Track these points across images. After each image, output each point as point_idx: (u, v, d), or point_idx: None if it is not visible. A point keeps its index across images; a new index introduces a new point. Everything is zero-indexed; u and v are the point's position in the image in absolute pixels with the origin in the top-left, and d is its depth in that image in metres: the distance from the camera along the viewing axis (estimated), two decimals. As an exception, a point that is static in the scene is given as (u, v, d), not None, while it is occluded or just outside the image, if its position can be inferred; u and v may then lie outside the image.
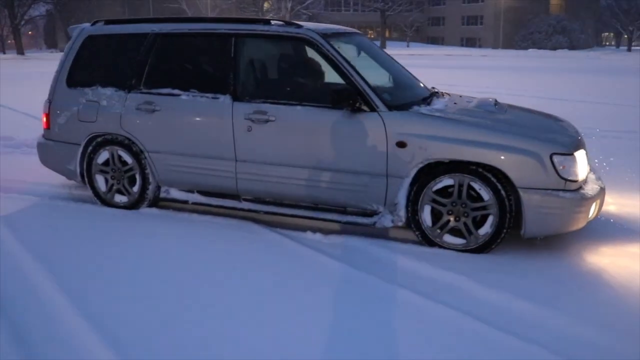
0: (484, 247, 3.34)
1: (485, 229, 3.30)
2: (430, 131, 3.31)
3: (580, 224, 3.25)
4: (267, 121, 3.62)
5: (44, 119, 4.42)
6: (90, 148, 4.21)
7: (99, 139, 4.16)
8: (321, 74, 3.76)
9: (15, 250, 3.44)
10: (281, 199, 3.78)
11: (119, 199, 4.24)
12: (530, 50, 41.82)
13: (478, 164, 3.23)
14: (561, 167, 3.16)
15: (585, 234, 3.57)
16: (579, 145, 3.35)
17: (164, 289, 2.93)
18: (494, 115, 3.57)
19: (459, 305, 2.76)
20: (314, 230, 3.73)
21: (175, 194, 4.08)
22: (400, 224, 3.50)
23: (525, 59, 27.77)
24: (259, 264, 3.23)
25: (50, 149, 4.42)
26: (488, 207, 3.26)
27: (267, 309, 2.72)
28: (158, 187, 4.14)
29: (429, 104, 3.63)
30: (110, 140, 4.13)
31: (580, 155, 3.27)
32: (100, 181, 4.26)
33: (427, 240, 3.45)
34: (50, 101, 4.34)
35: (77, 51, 4.27)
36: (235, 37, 3.79)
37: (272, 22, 3.80)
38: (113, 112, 4.06)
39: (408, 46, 48.70)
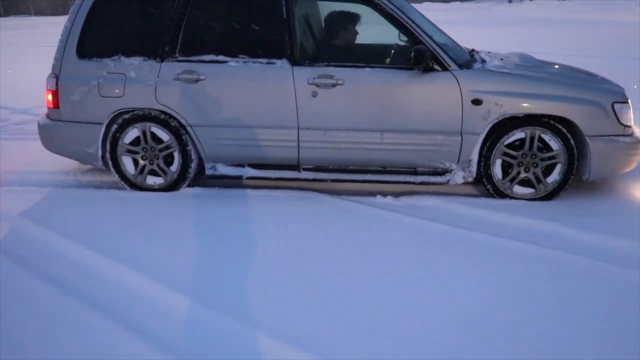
0: (551, 195, 3.56)
1: (554, 177, 3.52)
2: (505, 87, 3.42)
3: (635, 164, 3.59)
4: (334, 85, 3.49)
5: (49, 97, 3.85)
6: (115, 127, 3.76)
7: (127, 116, 3.73)
8: (385, 34, 3.68)
9: (75, 252, 3.00)
10: (347, 165, 3.70)
11: (153, 181, 3.86)
12: (424, 3, 42.94)
13: (550, 116, 3.42)
14: (620, 114, 3.45)
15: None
16: (626, 94, 3.67)
17: (303, 278, 2.68)
18: (546, 70, 3.77)
19: (568, 248, 2.95)
20: (382, 194, 3.71)
21: (224, 169, 3.80)
22: (470, 179, 3.61)
23: (431, 12, 28.30)
24: (360, 235, 3.14)
25: (59, 131, 3.88)
26: (557, 157, 3.47)
27: (408, 276, 2.70)
28: (200, 165, 3.84)
29: (483, 61, 3.73)
30: (141, 117, 3.72)
31: (630, 102, 3.59)
32: (127, 163, 3.84)
33: (498, 193, 3.60)
34: (56, 76, 3.78)
35: (86, 15, 3.73)
36: None
37: None
38: (145, 84, 3.65)
39: None
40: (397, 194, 3.73)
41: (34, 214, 3.52)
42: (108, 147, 3.81)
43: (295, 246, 3.01)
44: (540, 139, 3.46)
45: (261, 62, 3.57)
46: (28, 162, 4.56)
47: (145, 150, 3.79)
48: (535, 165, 3.51)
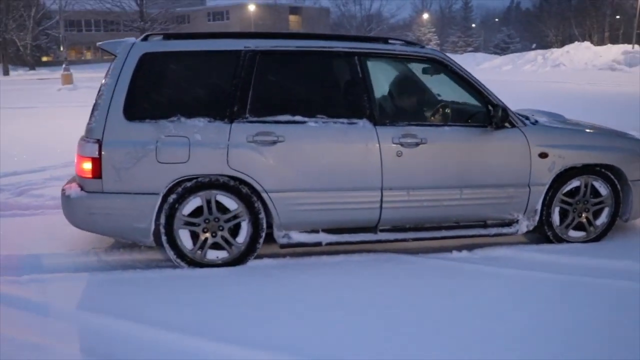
0: (600, 237, 3.91)
1: (601, 219, 3.88)
2: (565, 141, 3.73)
3: None
4: (417, 144, 3.50)
5: (85, 166, 3.27)
6: (173, 196, 3.30)
7: (189, 184, 3.31)
8: (455, 93, 3.80)
9: (194, 344, 2.54)
10: (425, 223, 3.67)
11: (215, 255, 3.43)
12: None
13: (601, 165, 3.80)
14: None
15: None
16: None
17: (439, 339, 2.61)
18: (582, 125, 4.19)
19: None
20: (457, 248, 3.74)
21: (298, 237, 3.51)
22: (531, 228, 3.82)
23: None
24: (462, 292, 3.12)
25: (100, 205, 3.29)
26: (605, 201, 3.85)
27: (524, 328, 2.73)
28: (269, 233, 3.51)
29: (527, 118, 4.04)
30: (205, 184, 3.33)
31: None
32: (184, 237, 3.38)
33: (556, 238, 3.85)
34: (98, 141, 3.23)
35: (132, 74, 3.29)
36: (358, 57, 3.53)
37: (391, 41, 3.68)
38: (214, 148, 3.29)
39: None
40: (466, 247, 3.78)
41: (98, 305, 2.90)
42: (163, 221, 3.32)
43: (411, 308, 2.91)
44: (592, 186, 3.82)
45: (342, 123, 3.45)
46: (31, 243, 3.77)
47: (207, 221, 3.37)
48: (587, 210, 3.84)
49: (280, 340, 2.57)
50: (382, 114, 3.53)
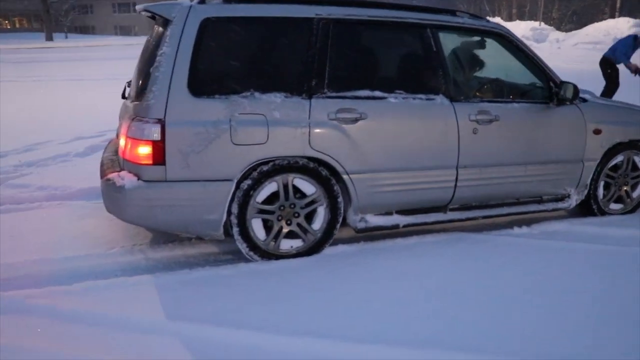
0: (635, 208, 4.09)
1: (637, 192, 4.05)
2: (615, 118, 3.80)
3: None
4: (491, 121, 3.37)
5: (143, 151, 2.77)
6: (248, 182, 2.92)
7: (266, 168, 2.93)
8: (518, 69, 3.68)
9: (330, 349, 2.27)
10: (489, 200, 3.58)
11: (290, 244, 3.11)
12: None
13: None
14: None
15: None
16: None
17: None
18: (618, 103, 4.27)
19: None
20: (517, 224, 3.72)
21: (376, 220, 3.27)
22: (579, 202, 3.89)
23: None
24: (541, 268, 3.08)
25: (164, 195, 2.82)
26: (642, 174, 4.02)
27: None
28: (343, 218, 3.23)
29: None
30: (283, 167, 2.97)
31: None
32: (257, 227, 3.02)
33: (600, 211, 3.96)
34: (160, 121, 2.74)
35: (194, 42, 2.82)
36: (431, 29, 3.30)
37: (459, 13, 3.48)
38: (295, 126, 2.94)
39: (67, 37, 43.00)
40: (522, 223, 3.77)
41: (184, 312, 2.49)
42: (235, 210, 2.93)
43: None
44: (632, 161, 3.96)
45: (420, 99, 3.23)
46: (55, 244, 3.18)
47: (282, 208, 3.03)
48: (626, 183, 3.99)
49: (398, 333, 2.36)
50: (456, 90, 3.35)
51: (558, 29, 30.48)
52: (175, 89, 2.77)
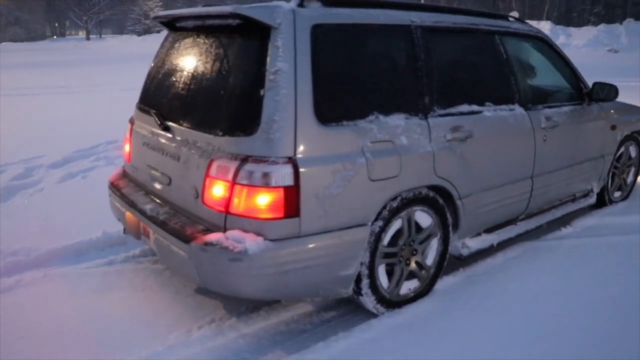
0: (629, 194, 4.43)
1: (630, 178, 4.40)
2: (622, 113, 4.06)
3: None
4: (554, 127, 3.32)
5: (273, 201, 2.11)
6: (379, 223, 2.43)
7: (395, 204, 2.47)
8: (561, 72, 3.65)
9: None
10: (545, 205, 3.54)
11: (407, 287, 2.69)
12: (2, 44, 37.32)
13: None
14: None
15: None
16: None
17: None
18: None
19: None
20: (556, 226, 3.72)
21: (474, 244, 2.99)
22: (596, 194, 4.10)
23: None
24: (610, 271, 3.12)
25: (299, 257, 2.19)
26: (633, 162, 4.36)
27: None
28: None
29: None
30: (409, 201, 2.53)
31: None
32: (382, 275, 2.54)
33: (609, 200, 4.23)
34: (291, 160, 2.11)
35: (312, 55, 2.23)
36: (498, 35, 3.12)
37: (510, 18, 3.36)
38: (422, 152, 2.52)
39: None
40: (559, 225, 3.81)
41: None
42: (367, 259, 2.42)
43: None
44: (629, 151, 4.29)
45: (505, 110, 3.03)
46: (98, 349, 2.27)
47: (403, 247, 2.60)
48: (624, 172, 4.32)
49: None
50: (526, 98, 3.23)
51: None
52: (302, 117, 2.15)
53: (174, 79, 2.64)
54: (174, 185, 2.50)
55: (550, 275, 3.00)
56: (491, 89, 3.05)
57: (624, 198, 4.38)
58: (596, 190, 4.00)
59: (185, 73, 2.58)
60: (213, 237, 2.18)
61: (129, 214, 2.75)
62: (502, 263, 3.17)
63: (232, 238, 2.14)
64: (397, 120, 2.47)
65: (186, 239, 2.24)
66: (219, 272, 2.18)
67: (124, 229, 2.91)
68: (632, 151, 4.34)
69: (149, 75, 2.96)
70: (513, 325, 2.48)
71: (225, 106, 2.30)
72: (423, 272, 2.72)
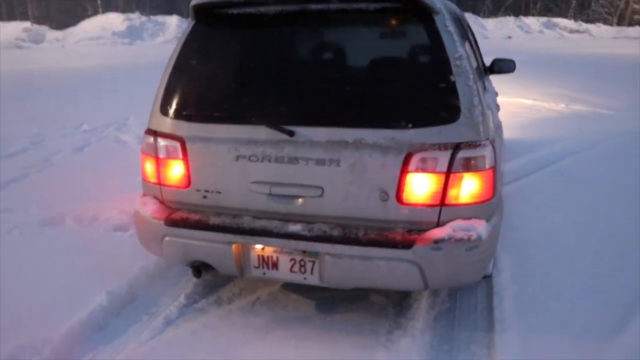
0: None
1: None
2: None
3: None
4: None
5: (485, 183, 2.14)
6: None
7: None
8: None
9: None
10: None
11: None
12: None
13: None
14: None
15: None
16: None
17: None
18: None
19: None
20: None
21: None
22: None
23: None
24: None
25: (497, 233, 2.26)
26: None
27: None
28: None
29: None
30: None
31: None
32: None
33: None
34: (492, 143, 2.19)
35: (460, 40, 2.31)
36: None
37: None
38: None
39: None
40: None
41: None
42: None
43: None
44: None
45: None
46: None
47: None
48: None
49: None
50: None
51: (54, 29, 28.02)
52: (481, 99, 2.22)
53: (289, 78, 2.23)
54: (328, 196, 2.13)
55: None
56: None
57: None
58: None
59: (313, 69, 2.24)
60: (439, 233, 2.05)
61: (236, 247, 2.18)
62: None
63: (459, 228, 2.07)
64: None
65: (405, 245, 2.01)
66: (454, 267, 2.08)
67: (215, 267, 2.28)
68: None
69: (211, 81, 2.35)
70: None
71: (412, 98, 2.13)
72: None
